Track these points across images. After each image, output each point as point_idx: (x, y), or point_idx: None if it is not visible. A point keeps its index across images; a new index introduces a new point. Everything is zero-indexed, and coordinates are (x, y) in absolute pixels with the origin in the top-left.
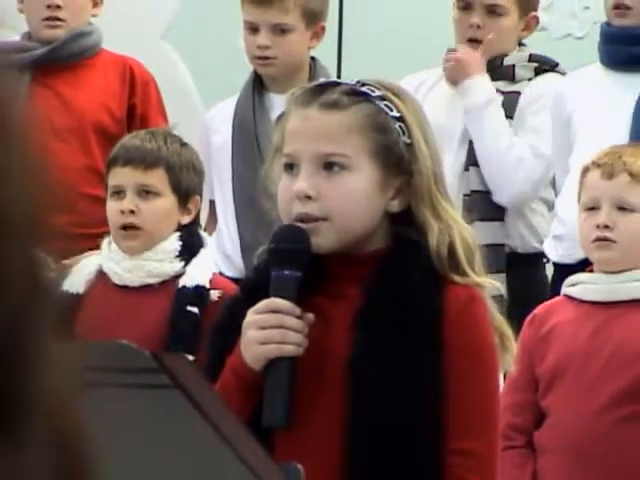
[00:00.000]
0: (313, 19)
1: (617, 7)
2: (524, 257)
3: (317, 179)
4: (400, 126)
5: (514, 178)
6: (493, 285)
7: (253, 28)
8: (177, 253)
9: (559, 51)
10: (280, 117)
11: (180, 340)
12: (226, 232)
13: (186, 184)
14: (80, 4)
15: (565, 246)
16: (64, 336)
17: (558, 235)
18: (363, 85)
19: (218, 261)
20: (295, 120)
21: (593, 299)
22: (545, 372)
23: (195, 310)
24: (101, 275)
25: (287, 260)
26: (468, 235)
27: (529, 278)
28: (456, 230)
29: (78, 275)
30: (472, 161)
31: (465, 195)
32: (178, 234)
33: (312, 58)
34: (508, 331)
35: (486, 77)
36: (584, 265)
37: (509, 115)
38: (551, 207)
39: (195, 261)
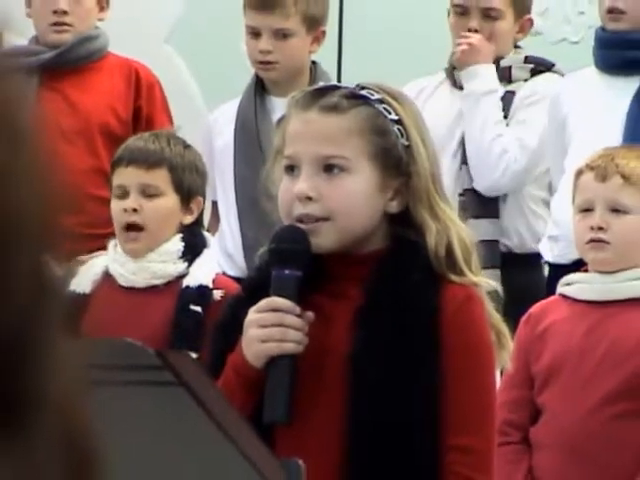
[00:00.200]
0: (314, 24)
1: (611, 11)
2: (521, 257)
3: (317, 181)
4: (399, 129)
5: (495, 169)
6: (489, 284)
7: (255, 33)
8: (180, 254)
9: (554, 55)
10: (281, 120)
11: (184, 338)
12: (228, 232)
13: (188, 184)
14: (86, 9)
15: (560, 247)
16: (71, 335)
17: (553, 236)
18: (362, 89)
19: (221, 260)
20: (296, 123)
21: (588, 298)
22: (541, 370)
23: (198, 309)
24: (107, 276)
25: (287, 260)
26: (465, 235)
27: (526, 278)
28: (454, 230)
29: (85, 275)
30: (464, 160)
31: (460, 195)
32: (180, 235)
33: (313, 62)
34: (505, 329)
35: (492, 68)
36: (579, 265)
37: (505, 114)
38: None
39: (198, 261)
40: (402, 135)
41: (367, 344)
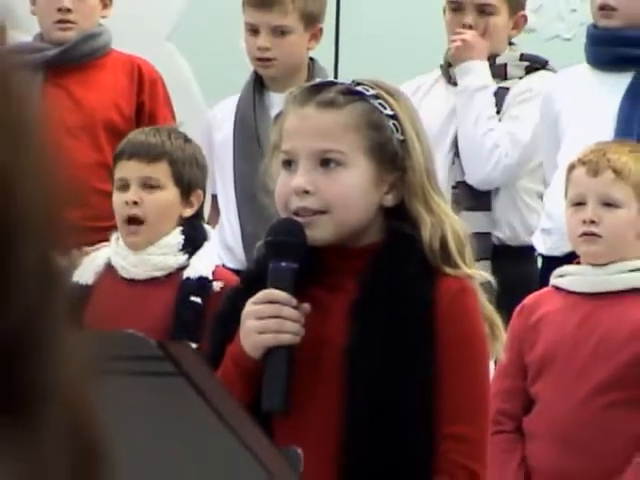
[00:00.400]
0: (311, 21)
1: (602, 8)
2: (514, 249)
3: (314, 175)
4: (394, 124)
5: (486, 163)
6: (483, 276)
7: (254, 30)
8: (180, 246)
9: (547, 52)
10: (278, 116)
11: (184, 329)
12: (228, 225)
13: (189, 178)
14: (90, 6)
15: (553, 239)
16: (76, 326)
17: (546, 229)
18: (358, 85)
19: (220, 253)
20: (293, 119)
21: (580, 290)
22: (534, 360)
23: (198, 300)
24: (109, 268)
25: (284, 252)
26: (459, 228)
27: (519, 270)
28: (448, 224)
29: (88, 267)
30: (457, 153)
31: (452, 187)
32: (180, 228)
33: (311, 59)
34: (498, 320)
35: (486, 64)
36: (571, 258)
37: (497, 110)
38: None
39: (198, 254)
40: (397, 130)
41: (363, 336)
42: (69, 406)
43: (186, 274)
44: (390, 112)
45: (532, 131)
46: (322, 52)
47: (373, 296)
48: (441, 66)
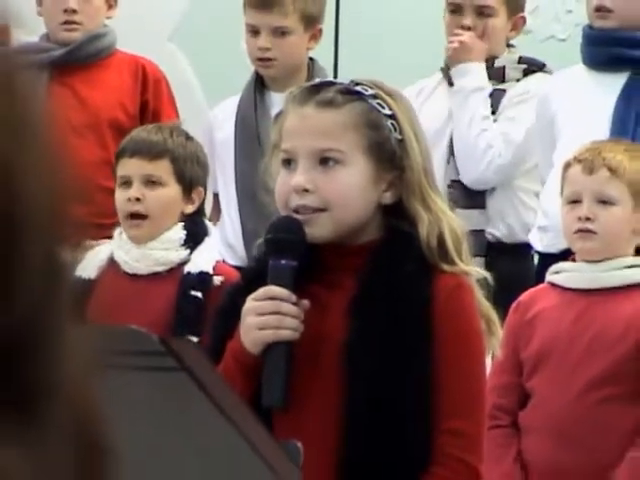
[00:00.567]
0: (311, 22)
1: (598, 10)
2: (511, 247)
3: (314, 173)
4: (392, 123)
5: (480, 163)
6: (480, 273)
7: (254, 31)
8: (182, 242)
9: (543, 52)
10: (278, 115)
11: (185, 323)
12: (229, 223)
13: (190, 175)
14: (95, 7)
15: (549, 237)
16: (79, 321)
17: (543, 226)
18: (357, 84)
19: (222, 250)
20: (293, 118)
21: (575, 286)
22: (530, 356)
23: (199, 295)
24: (112, 262)
25: (283, 250)
26: (456, 226)
27: (516, 267)
28: (445, 221)
29: (91, 261)
30: (453, 152)
31: (448, 186)
32: (182, 224)
33: (310, 59)
34: (494, 316)
35: (483, 66)
36: (567, 255)
37: (494, 111)
38: None
39: (200, 249)
40: (395, 129)
41: (361, 333)
42: (73, 402)
43: (187, 269)
44: (388, 112)
45: (526, 132)
46: (322, 52)
47: (372, 293)
48: (442, 69)
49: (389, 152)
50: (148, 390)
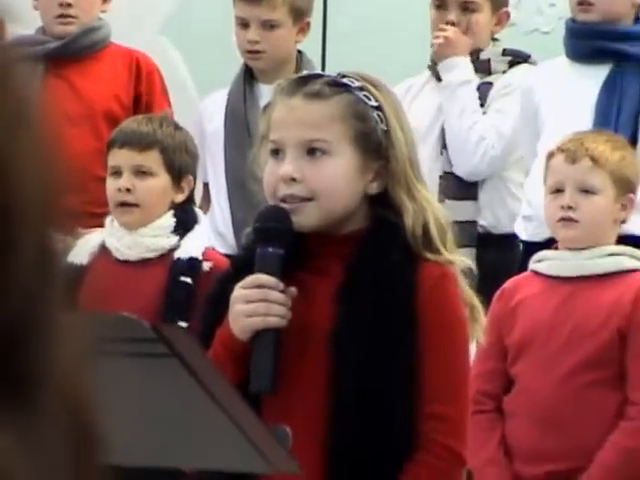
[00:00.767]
0: (299, 15)
1: (581, 3)
2: (497, 237)
3: (301, 163)
4: (378, 114)
5: (473, 155)
6: (464, 262)
7: (244, 24)
8: (172, 229)
9: (527, 45)
10: (266, 107)
11: (175, 308)
12: (219, 212)
13: (179, 165)
14: (90, 1)
15: (533, 226)
16: (71, 310)
17: (527, 215)
18: (344, 77)
19: (212, 239)
20: (281, 109)
21: (558, 274)
22: (513, 342)
23: (189, 280)
24: (104, 249)
25: (270, 238)
26: (441, 215)
27: (502, 257)
28: (430, 211)
29: (82, 248)
30: (444, 145)
31: (440, 177)
32: (172, 211)
33: (299, 51)
34: (478, 304)
35: (468, 60)
36: (551, 243)
37: (482, 103)
38: None
39: (189, 235)
40: (381, 121)
41: (348, 319)
42: (66, 390)
43: (177, 255)
44: (374, 103)
45: (513, 123)
46: (310, 45)
47: (358, 281)
48: (429, 66)
49: (375, 143)
50: (140, 376)
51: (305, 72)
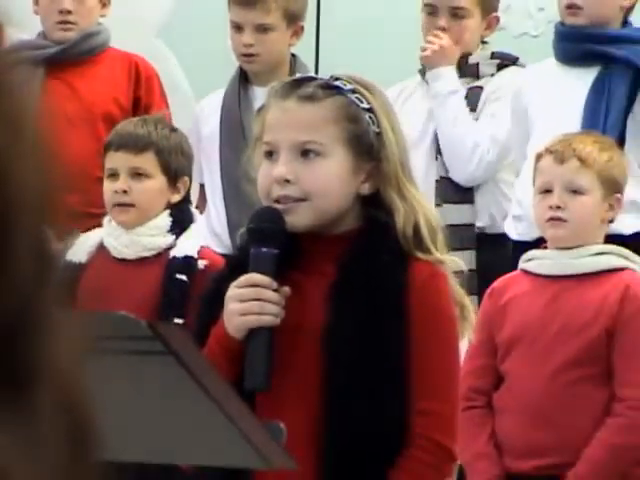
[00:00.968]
0: (293, 19)
1: (569, 7)
2: (491, 237)
3: (295, 165)
4: (370, 117)
5: (469, 162)
6: (454, 261)
7: (238, 27)
8: (168, 228)
9: (516, 48)
10: (260, 109)
11: (170, 305)
12: (215, 213)
13: (175, 166)
14: (89, 7)
15: (523, 225)
16: (69, 307)
17: (517, 215)
18: (336, 79)
19: (208, 239)
20: (275, 111)
21: (547, 273)
22: (503, 339)
23: (184, 278)
24: (102, 248)
25: (264, 238)
26: (431, 216)
27: (495, 256)
28: (420, 211)
29: (81, 247)
30: (439, 150)
31: (436, 181)
32: (169, 211)
33: (292, 55)
34: (468, 303)
35: (454, 69)
36: (541, 243)
37: (473, 108)
38: None
39: (185, 234)
40: (373, 123)
41: (340, 318)
42: (63, 388)
43: (173, 253)
44: (366, 105)
45: (507, 128)
46: (303, 49)
47: (350, 280)
48: (419, 70)
49: (367, 144)
50: (137, 372)
51: (298, 75)
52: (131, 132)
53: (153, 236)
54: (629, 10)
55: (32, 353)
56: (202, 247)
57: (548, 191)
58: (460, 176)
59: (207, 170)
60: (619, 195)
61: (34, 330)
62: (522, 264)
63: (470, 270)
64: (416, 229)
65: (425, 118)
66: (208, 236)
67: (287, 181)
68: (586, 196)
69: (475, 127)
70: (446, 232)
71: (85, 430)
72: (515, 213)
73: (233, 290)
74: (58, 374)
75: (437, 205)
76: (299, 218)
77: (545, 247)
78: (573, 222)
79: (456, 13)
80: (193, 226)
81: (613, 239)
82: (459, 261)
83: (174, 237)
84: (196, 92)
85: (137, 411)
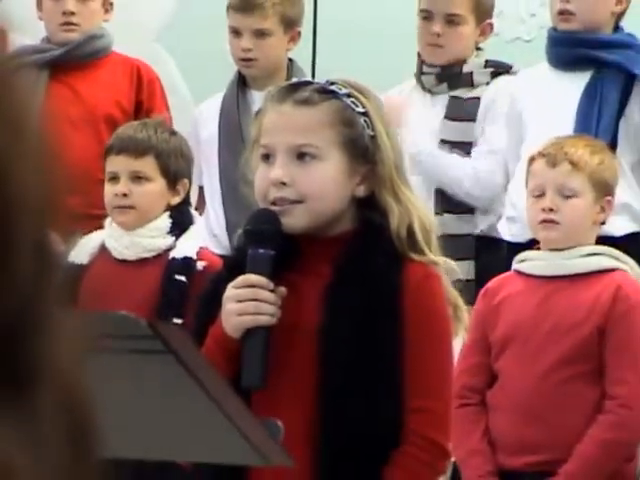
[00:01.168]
0: (290, 25)
1: (562, 13)
2: (489, 239)
3: (291, 167)
4: (365, 120)
5: (481, 198)
6: (447, 263)
7: (237, 32)
8: (168, 229)
9: (509, 53)
10: (257, 113)
11: (169, 306)
12: (213, 214)
13: (174, 169)
14: (92, 10)
15: (517, 227)
16: (70, 307)
17: (510, 217)
18: (332, 84)
19: (207, 240)
20: (271, 115)
21: (540, 273)
22: (497, 339)
23: (183, 279)
24: (103, 249)
25: (261, 240)
26: (425, 218)
27: (491, 258)
28: (414, 213)
29: (83, 248)
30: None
31: (436, 190)
32: (168, 213)
33: (290, 59)
34: (461, 304)
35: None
36: (534, 244)
37: (472, 119)
38: None
39: (184, 236)
40: (368, 126)
41: (335, 318)
42: (64, 387)
43: (172, 254)
44: (361, 110)
45: (504, 159)
46: (300, 53)
47: (346, 281)
48: (415, 74)
49: (362, 147)
50: (137, 371)
51: (295, 79)
52: (131, 136)
53: (153, 237)
54: (620, 15)
55: (33, 353)
56: (201, 248)
57: (541, 194)
58: (478, 205)
59: (206, 172)
60: (610, 197)
61: (35, 330)
62: (515, 265)
63: (468, 280)
64: (410, 231)
65: (424, 124)
66: (207, 237)
67: (283, 183)
68: (578, 199)
69: (475, 170)
70: (445, 242)
71: (86, 429)
72: (509, 215)
73: (230, 290)
74: (59, 373)
75: (436, 214)
76: (295, 220)
77: (538, 248)
78: (565, 224)
79: (451, 20)
80: (192, 228)
81: (604, 241)
82: (451, 262)
83: (174, 238)
84: (195, 96)
85: (137, 409)
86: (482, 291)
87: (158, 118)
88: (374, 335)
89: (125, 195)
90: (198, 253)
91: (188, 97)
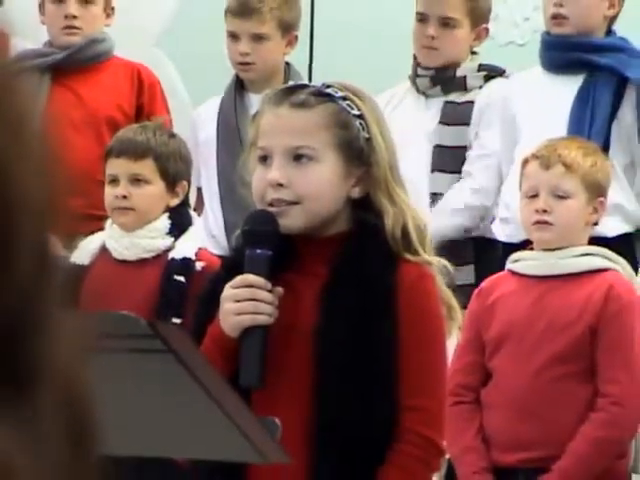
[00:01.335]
0: (287, 29)
1: (555, 17)
2: (485, 240)
3: (288, 169)
4: (360, 123)
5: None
6: (441, 263)
7: (235, 37)
8: (167, 230)
9: (503, 56)
10: (255, 115)
11: (169, 306)
12: (212, 215)
13: (173, 171)
14: (93, 14)
15: (510, 228)
16: (70, 307)
17: (504, 218)
18: (328, 87)
19: (205, 241)
20: (268, 117)
21: (533, 273)
22: (491, 338)
23: (182, 279)
24: (104, 250)
25: (258, 241)
26: (419, 218)
27: (489, 259)
28: (409, 214)
29: (85, 249)
30: (437, 167)
31: (432, 194)
32: (168, 214)
33: (287, 63)
34: (455, 303)
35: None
36: (527, 244)
37: (467, 123)
38: None
39: (183, 237)
40: (363, 129)
41: (331, 319)
42: (65, 386)
43: (171, 255)
44: (357, 112)
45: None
46: (297, 57)
47: (341, 281)
48: (409, 76)
49: (358, 149)
50: (137, 370)
51: (291, 83)
52: (130, 139)
53: (152, 238)
54: (613, 19)
55: (33, 353)
56: (200, 249)
57: (534, 195)
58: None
59: (204, 174)
60: (603, 198)
61: (35, 330)
62: (509, 265)
63: (470, 285)
64: (405, 231)
65: (413, 126)
66: (205, 238)
67: (280, 185)
68: (571, 200)
69: (467, 209)
70: (445, 247)
71: (86, 428)
72: (503, 216)
73: (228, 290)
74: (59, 373)
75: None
76: (292, 221)
77: (531, 248)
78: (559, 225)
79: (446, 23)
80: (191, 229)
81: (597, 241)
82: (445, 262)
83: (173, 239)
84: (193, 98)
85: (137, 407)
86: (476, 291)
87: (157, 121)
88: (369, 336)
89: (125, 197)
90: (197, 254)
91: (186, 100)
